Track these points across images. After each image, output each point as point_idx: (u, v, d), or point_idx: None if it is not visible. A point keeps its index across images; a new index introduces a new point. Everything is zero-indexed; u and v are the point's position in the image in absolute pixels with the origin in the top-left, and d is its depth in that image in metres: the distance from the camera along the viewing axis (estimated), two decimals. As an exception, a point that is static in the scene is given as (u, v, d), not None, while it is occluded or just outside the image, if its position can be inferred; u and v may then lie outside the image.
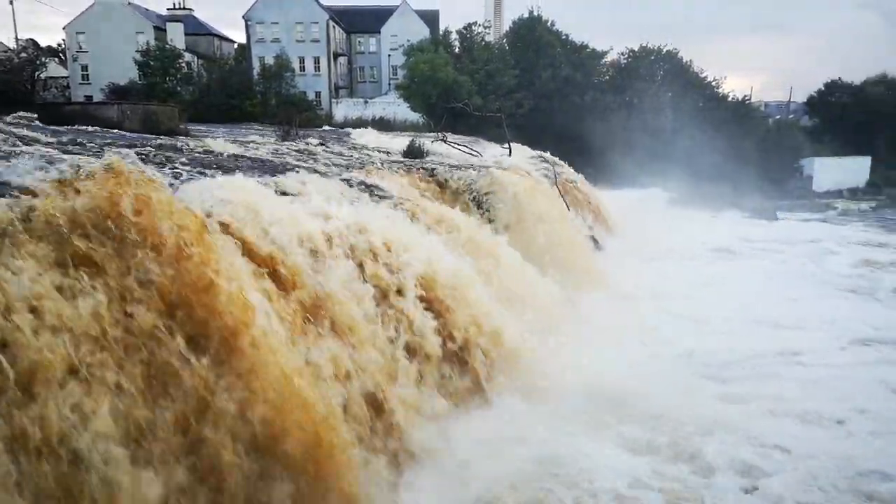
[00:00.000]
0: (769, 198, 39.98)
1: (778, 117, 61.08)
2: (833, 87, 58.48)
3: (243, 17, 50.88)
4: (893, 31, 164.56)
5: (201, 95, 42.19)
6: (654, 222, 26.64)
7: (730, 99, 49.02)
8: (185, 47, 47.69)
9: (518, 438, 7.36)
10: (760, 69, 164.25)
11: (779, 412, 8.86)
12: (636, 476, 7.01)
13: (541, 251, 13.70)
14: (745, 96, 51.24)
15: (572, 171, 28.05)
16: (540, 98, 43.49)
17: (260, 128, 30.53)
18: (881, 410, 9.02)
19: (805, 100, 61.98)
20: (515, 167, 17.75)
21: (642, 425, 8.07)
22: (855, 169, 47.78)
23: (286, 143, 18.59)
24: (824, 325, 13.35)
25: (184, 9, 56.13)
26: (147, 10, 53.22)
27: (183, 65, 43.67)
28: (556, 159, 28.79)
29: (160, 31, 49.59)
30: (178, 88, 42.06)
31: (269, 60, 45.97)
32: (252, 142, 17.63)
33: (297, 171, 10.56)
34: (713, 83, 49.46)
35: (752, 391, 9.61)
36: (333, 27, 52.21)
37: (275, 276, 6.02)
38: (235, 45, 60.46)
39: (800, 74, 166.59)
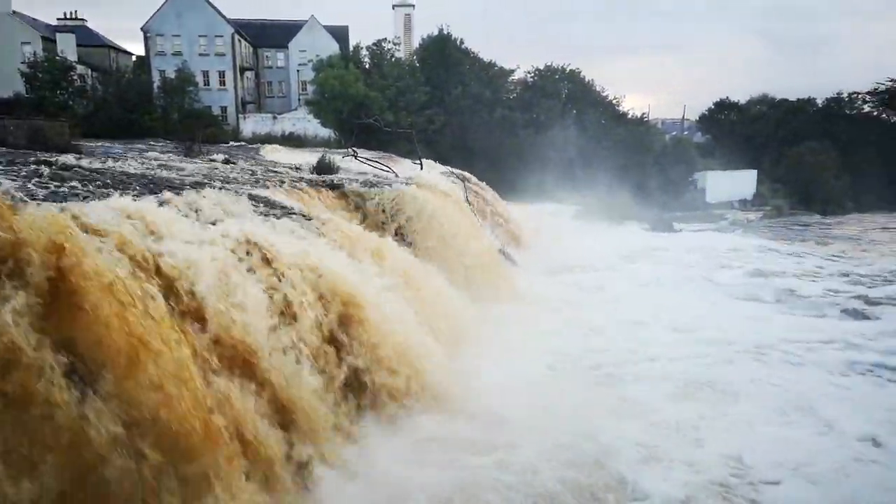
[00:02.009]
0: (667, 210, 42.30)
1: (674, 133, 64.88)
2: (721, 106, 63.06)
3: (141, 28, 48.74)
4: (773, 54, 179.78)
5: (96, 110, 39.90)
6: (562, 235, 27.52)
7: (629, 116, 51.64)
8: (77, 59, 45.03)
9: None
10: (656, 89, 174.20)
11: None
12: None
13: (453, 266, 13.85)
14: (644, 114, 54.30)
15: (483, 185, 28.62)
16: (451, 114, 44.19)
17: (160, 143, 29.21)
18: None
19: (697, 117, 66.40)
20: (427, 183, 17.86)
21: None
22: (743, 182, 51.37)
23: (189, 159, 17.88)
24: (719, 329, 14.16)
25: (76, 19, 53.07)
26: (35, 19, 49.90)
27: (75, 77, 41.15)
28: (468, 174, 29.31)
29: (49, 41, 46.57)
30: (71, 102, 39.59)
31: (171, 74, 44.19)
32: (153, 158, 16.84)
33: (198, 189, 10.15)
34: (614, 101, 52.02)
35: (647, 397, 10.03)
36: (239, 41, 50.94)
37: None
38: (133, 58, 57.79)
39: (692, 94, 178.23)
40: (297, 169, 18.70)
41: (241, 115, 49.77)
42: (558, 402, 9.33)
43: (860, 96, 59.02)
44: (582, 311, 15.51)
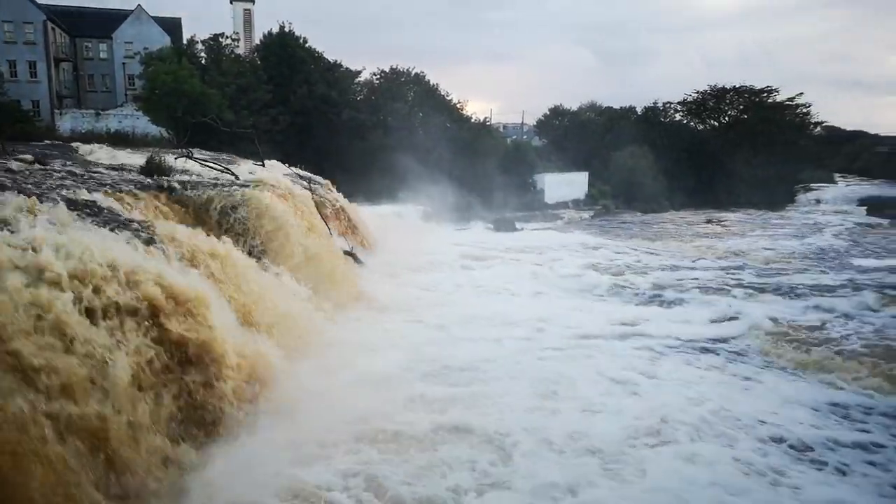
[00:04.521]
0: (510, 210, 44.38)
1: (514, 137, 68.22)
2: (556, 113, 67.44)
3: (-71, 9, 42.46)
4: (600, 65, 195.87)
5: None
6: (410, 236, 27.92)
7: (473, 121, 53.40)
8: None
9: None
10: (497, 95, 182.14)
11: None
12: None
13: (297, 268, 13.51)
14: (486, 118, 56.47)
15: (330, 187, 28.21)
16: (297, 115, 43.07)
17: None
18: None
19: (535, 122, 70.40)
20: (267, 183, 17.27)
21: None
22: (577, 183, 55.14)
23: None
24: (552, 322, 15.11)
25: None
26: None
27: None
28: (314, 175, 28.71)
29: None
30: None
31: (-31, 63, 39.01)
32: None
33: None
34: (458, 105, 53.48)
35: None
36: (53, 29, 46.01)
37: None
38: (-80, 43, 50.10)
39: (530, 100, 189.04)
40: (122, 169, 17.23)
41: (57, 111, 44.98)
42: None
43: (672, 105, 66.10)
44: (428, 310, 15.81)
